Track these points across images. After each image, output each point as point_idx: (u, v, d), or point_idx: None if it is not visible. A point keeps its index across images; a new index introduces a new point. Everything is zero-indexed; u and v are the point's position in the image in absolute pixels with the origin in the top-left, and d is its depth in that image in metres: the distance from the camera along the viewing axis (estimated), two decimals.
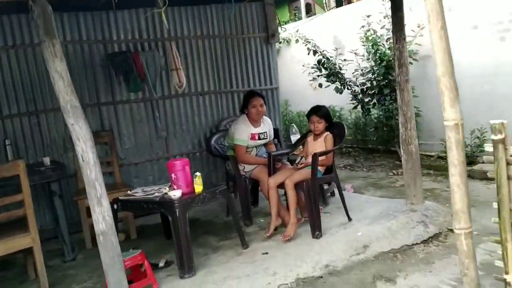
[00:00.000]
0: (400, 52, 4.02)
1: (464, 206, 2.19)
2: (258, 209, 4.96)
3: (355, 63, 6.86)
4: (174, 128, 5.63)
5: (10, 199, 3.35)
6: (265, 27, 6.18)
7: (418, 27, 6.22)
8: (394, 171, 6.39)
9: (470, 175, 5.66)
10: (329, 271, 3.39)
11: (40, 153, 4.83)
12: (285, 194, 4.59)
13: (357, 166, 7.05)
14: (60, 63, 2.73)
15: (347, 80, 6.89)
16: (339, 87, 6.86)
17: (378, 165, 6.92)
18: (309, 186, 3.87)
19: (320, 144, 4.17)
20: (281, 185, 4.05)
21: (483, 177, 5.51)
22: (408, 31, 4.49)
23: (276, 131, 5.16)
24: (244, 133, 4.50)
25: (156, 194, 3.65)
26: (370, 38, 6.64)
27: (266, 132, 4.66)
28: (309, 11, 12.44)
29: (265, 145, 4.75)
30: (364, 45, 6.73)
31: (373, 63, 6.67)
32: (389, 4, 4.22)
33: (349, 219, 4.16)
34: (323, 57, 6.93)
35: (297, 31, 7.25)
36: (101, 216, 2.86)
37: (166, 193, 3.61)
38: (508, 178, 2.13)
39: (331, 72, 6.90)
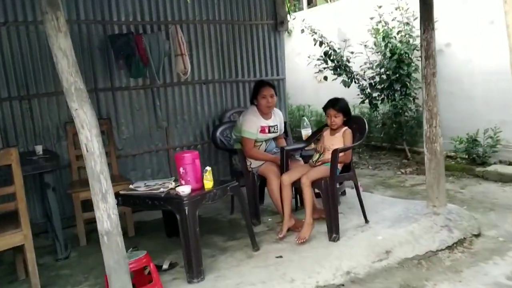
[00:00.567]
0: (428, 43, 3.73)
1: None
2: (263, 207, 4.63)
3: (363, 56, 6.56)
4: (175, 118, 5.29)
5: (0, 191, 2.99)
6: (273, 14, 5.86)
7: None
8: (402, 170, 6.14)
9: (484, 177, 5.46)
10: (351, 279, 3.12)
11: (31, 141, 4.44)
12: (297, 193, 4.34)
13: (362, 164, 6.78)
14: (64, 39, 2.38)
15: (354, 73, 6.60)
16: (347, 80, 6.56)
17: (384, 163, 6.65)
18: (328, 185, 3.58)
19: (338, 139, 3.86)
20: (293, 183, 3.76)
21: (498, 178, 5.30)
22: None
23: (284, 124, 4.84)
24: (253, 125, 4.18)
25: (162, 189, 3.32)
26: (381, 30, 6.36)
27: (277, 125, 4.36)
28: (310, 1, 12.09)
29: (274, 139, 4.45)
30: (374, 37, 6.44)
31: (382, 57, 6.40)
32: None
33: (366, 221, 3.89)
34: (330, 48, 6.63)
35: (303, 20, 6.91)
36: (106, 213, 2.53)
37: (172, 189, 3.29)
38: None
39: (338, 64, 6.60)
